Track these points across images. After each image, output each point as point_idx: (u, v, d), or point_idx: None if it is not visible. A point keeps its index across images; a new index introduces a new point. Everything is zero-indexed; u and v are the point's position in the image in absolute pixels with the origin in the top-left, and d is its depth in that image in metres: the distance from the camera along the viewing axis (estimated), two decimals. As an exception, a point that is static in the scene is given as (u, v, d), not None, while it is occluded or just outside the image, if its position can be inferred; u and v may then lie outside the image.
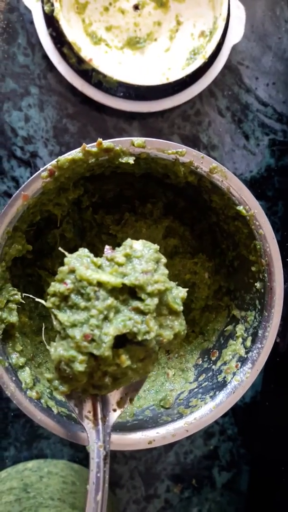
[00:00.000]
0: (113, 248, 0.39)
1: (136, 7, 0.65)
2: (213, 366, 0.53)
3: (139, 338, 0.35)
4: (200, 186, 0.49)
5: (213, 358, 0.55)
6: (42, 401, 0.46)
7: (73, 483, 0.64)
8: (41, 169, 0.44)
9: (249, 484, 0.72)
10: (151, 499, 0.71)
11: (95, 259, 0.38)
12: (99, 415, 0.40)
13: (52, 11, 0.59)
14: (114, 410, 0.41)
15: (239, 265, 0.54)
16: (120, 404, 0.42)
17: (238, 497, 0.73)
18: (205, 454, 0.72)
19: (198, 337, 0.59)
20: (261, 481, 0.70)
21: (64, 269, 0.37)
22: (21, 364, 0.46)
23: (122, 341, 0.36)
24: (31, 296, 0.46)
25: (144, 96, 0.62)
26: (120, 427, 0.48)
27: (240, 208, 0.47)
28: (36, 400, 0.46)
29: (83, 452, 0.68)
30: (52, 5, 0.59)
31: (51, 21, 0.60)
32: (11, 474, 0.64)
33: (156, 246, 0.38)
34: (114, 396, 0.42)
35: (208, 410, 0.48)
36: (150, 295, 0.36)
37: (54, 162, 0.43)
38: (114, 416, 0.41)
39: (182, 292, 0.38)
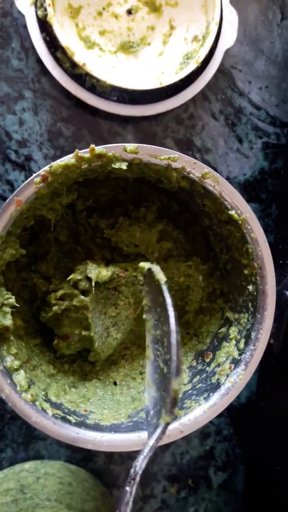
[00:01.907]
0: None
1: (129, 12, 0.65)
2: (207, 368, 0.54)
3: None
4: (192, 191, 0.50)
5: (207, 360, 0.55)
6: (37, 403, 0.47)
7: (70, 484, 0.64)
8: (34, 174, 0.44)
9: (244, 484, 0.73)
10: (148, 499, 0.71)
11: None
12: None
13: (45, 16, 0.60)
14: None
15: (232, 268, 0.54)
16: None
17: (234, 496, 0.74)
18: (201, 455, 0.72)
19: (192, 339, 0.59)
20: (256, 481, 0.71)
21: None
22: (15, 367, 0.47)
23: None
24: None
25: (138, 100, 0.63)
26: (115, 429, 0.48)
27: (232, 212, 0.48)
28: (31, 403, 0.46)
29: (80, 453, 0.69)
30: (45, 10, 0.59)
31: (45, 26, 0.61)
32: (7, 476, 0.65)
33: None
34: None
35: (202, 412, 0.48)
36: None
37: (47, 168, 0.44)
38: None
39: None
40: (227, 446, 0.73)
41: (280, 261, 0.64)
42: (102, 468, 0.69)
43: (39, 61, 0.63)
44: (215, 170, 0.69)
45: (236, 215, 0.47)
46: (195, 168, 0.46)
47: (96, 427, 0.48)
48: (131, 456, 0.70)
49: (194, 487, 0.73)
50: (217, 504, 0.74)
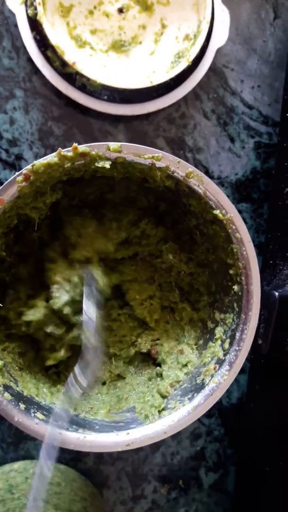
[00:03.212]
0: None
1: (120, 11, 0.65)
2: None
3: None
4: (178, 190, 0.49)
5: (194, 360, 0.55)
6: (20, 403, 0.47)
7: (58, 484, 0.64)
8: (17, 173, 0.44)
9: (235, 485, 0.73)
10: (138, 499, 0.71)
11: None
12: None
13: (35, 14, 0.59)
14: None
15: (218, 268, 0.54)
16: None
17: (225, 497, 0.74)
18: (192, 455, 0.72)
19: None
20: (247, 482, 0.70)
21: None
22: None
23: None
24: None
25: (129, 99, 0.63)
26: (99, 429, 0.48)
27: (217, 212, 0.47)
28: (13, 402, 0.46)
29: (69, 453, 0.68)
30: (36, 8, 0.59)
31: (35, 25, 0.60)
32: (-3, 475, 0.65)
33: None
34: None
35: (186, 412, 0.48)
36: None
37: (29, 166, 0.44)
38: None
39: None
40: (218, 447, 0.73)
41: (271, 261, 0.64)
42: (92, 468, 0.69)
43: (30, 60, 0.63)
44: (207, 169, 0.69)
45: (220, 215, 0.47)
46: (179, 167, 0.46)
47: (80, 427, 0.48)
48: (121, 456, 0.70)
49: (185, 488, 0.72)
50: (208, 505, 0.73)
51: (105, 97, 0.62)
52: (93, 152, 0.45)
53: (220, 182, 0.69)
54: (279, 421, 0.65)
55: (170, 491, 0.72)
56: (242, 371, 0.49)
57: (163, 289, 0.60)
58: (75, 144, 0.44)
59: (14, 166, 0.65)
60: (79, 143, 0.65)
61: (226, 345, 0.50)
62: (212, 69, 0.67)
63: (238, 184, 0.70)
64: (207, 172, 0.69)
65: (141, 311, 0.58)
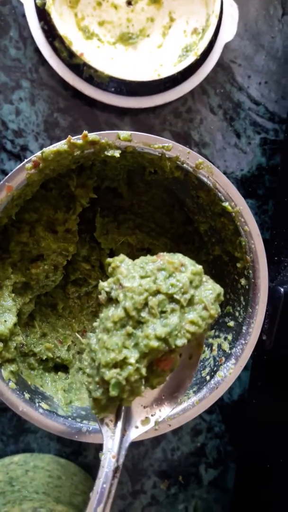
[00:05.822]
0: None
1: (129, 3, 0.64)
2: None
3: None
4: (186, 181, 0.49)
5: (199, 354, 0.55)
6: (25, 393, 0.46)
7: (59, 477, 0.64)
8: (26, 160, 0.44)
9: (235, 481, 0.72)
10: (138, 494, 0.71)
11: None
12: (120, 426, 0.40)
13: (44, 4, 0.59)
14: (136, 427, 0.41)
15: (225, 261, 0.54)
16: (144, 423, 0.41)
17: (224, 494, 0.74)
18: (192, 451, 0.72)
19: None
20: (247, 479, 0.70)
21: None
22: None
23: None
24: None
25: (135, 92, 0.62)
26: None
27: (226, 204, 0.47)
28: (18, 392, 0.46)
29: (70, 446, 0.68)
30: (44, -2, 0.59)
31: (43, 15, 0.60)
32: (-4, 468, 0.65)
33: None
34: (139, 414, 0.41)
35: (191, 405, 0.48)
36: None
37: (38, 153, 0.43)
38: (134, 434, 0.40)
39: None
40: (218, 443, 0.72)
41: (276, 258, 0.64)
42: (92, 462, 0.69)
43: (37, 50, 0.63)
44: (212, 164, 0.68)
45: (229, 207, 0.47)
46: (189, 158, 0.46)
47: (84, 419, 0.47)
48: (122, 451, 0.70)
49: (184, 484, 0.72)
50: (207, 502, 0.73)
51: (112, 89, 0.62)
52: (103, 141, 0.44)
53: (225, 177, 0.69)
54: (281, 418, 0.65)
55: (170, 486, 0.72)
56: (244, 367, 0.49)
57: None
58: (85, 132, 0.44)
59: (19, 157, 0.65)
60: (85, 135, 0.66)
61: (232, 339, 0.50)
62: (220, 64, 0.67)
63: (243, 180, 0.70)
64: (212, 167, 0.69)
65: None
